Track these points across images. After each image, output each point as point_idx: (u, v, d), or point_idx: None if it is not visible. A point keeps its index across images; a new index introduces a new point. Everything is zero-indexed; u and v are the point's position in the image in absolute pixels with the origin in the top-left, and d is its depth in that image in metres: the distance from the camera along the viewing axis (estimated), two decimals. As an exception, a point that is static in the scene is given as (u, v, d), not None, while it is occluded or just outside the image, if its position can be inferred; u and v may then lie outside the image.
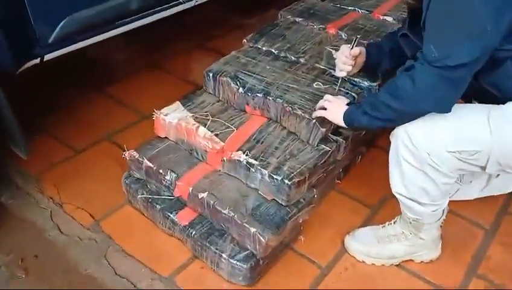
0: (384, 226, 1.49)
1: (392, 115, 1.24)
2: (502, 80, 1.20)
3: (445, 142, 1.19)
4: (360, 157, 1.85)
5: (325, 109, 1.42)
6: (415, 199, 1.32)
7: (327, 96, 1.46)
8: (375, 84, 1.64)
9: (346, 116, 1.36)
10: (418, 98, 1.19)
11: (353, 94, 1.58)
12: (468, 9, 1.10)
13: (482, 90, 1.27)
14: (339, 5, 2.16)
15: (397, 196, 1.36)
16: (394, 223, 1.47)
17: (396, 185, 1.33)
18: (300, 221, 1.48)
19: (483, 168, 1.22)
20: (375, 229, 1.50)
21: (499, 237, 1.60)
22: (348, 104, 1.39)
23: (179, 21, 2.53)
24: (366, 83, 1.64)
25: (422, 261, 1.49)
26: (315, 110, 1.46)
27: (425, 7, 1.18)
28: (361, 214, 1.66)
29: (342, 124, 1.38)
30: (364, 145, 1.84)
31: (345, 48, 1.53)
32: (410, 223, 1.40)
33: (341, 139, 1.55)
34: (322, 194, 1.65)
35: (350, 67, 1.53)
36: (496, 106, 1.21)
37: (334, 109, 1.40)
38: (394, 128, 1.29)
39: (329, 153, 1.50)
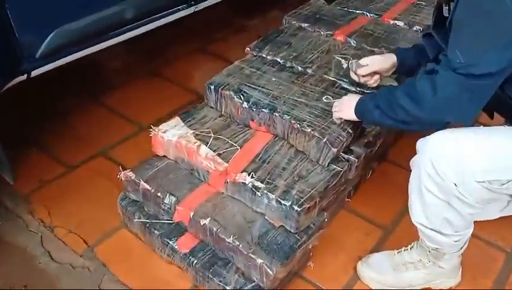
0: (400, 252, 1.38)
1: (407, 118, 1.17)
2: None
3: (475, 171, 1.09)
4: (370, 172, 1.74)
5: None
6: (438, 230, 1.22)
7: (337, 102, 1.41)
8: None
9: (358, 106, 1.31)
10: (438, 107, 1.12)
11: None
12: (500, 14, 1.01)
13: (506, 102, 1.18)
14: (346, 9, 2.04)
15: (417, 225, 1.26)
16: (411, 249, 1.36)
17: (417, 215, 1.23)
18: (310, 247, 1.38)
19: None
20: (390, 256, 1.39)
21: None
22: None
23: (178, 24, 2.42)
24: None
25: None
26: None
27: (451, 7, 1.09)
28: (374, 236, 1.56)
29: (353, 116, 1.32)
30: (375, 160, 1.73)
31: (351, 73, 1.48)
32: (429, 251, 1.30)
33: (353, 158, 1.44)
34: (332, 214, 1.54)
35: (373, 83, 1.48)
36: None
37: (346, 106, 1.35)
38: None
39: (341, 173, 1.39)
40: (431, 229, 1.22)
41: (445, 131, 1.16)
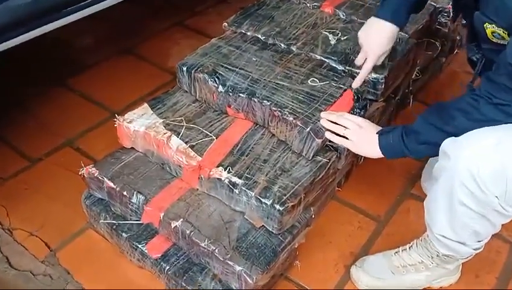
0: (397, 253, 1.25)
1: None
2: None
3: None
4: (362, 158, 1.59)
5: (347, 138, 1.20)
6: (463, 242, 1.09)
7: (349, 123, 1.20)
8: (381, 76, 1.37)
9: (387, 147, 1.14)
10: None
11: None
12: None
13: None
14: (335, -22, 1.85)
15: (439, 237, 1.11)
16: (410, 248, 1.23)
17: (441, 228, 1.09)
18: (296, 246, 1.24)
19: None
20: (387, 257, 1.25)
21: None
22: (379, 132, 1.16)
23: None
24: (371, 75, 1.37)
25: (441, 287, 1.27)
26: (328, 131, 1.22)
27: None
28: (367, 229, 1.43)
29: (377, 154, 1.16)
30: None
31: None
32: (438, 256, 1.17)
33: (342, 147, 1.29)
34: (320, 207, 1.40)
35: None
36: None
37: (365, 141, 1.17)
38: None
39: (329, 165, 1.24)
40: (456, 241, 1.09)
41: (481, 131, 0.98)
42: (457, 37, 1.97)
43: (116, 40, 2.15)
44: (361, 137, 1.18)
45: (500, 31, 0.98)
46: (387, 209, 1.49)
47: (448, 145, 1.02)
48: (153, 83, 1.91)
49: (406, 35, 1.52)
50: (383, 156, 1.16)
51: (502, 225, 1.08)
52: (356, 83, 1.30)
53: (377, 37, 1.25)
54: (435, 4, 1.68)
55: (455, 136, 1.01)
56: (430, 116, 1.08)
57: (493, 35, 1.01)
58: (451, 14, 1.22)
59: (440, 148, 1.04)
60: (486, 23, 0.99)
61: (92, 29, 2.16)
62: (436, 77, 1.94)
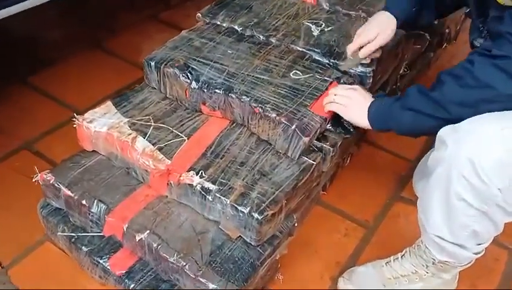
0: (388, 263, 1.13)
1: (462, 112, 0.91)
2: None
3: None
4: (349, 158, 1.48)
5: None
6: (460, 244, 0.98)
7: (342, 87, 1.13)
8: (369, 69, 1.25)
9: (376, 113, 1.04)
10: None
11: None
12: None
13: None
14: (318, -34, 1.73)
15: (434, 238, 1.00)
16: (402, 257, 1.12)
17: (437, 228, 0.98)
18: (277, 257, 1.12)
19: None
20: (377, 268, 1.14)
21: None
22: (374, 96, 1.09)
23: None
24: (359, 68, 1.25)
25: (436, 299, 1.16)
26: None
27: None
28: (354, 236, 1.32)
29: (364, 122, 1.06)
30: (354, 143, 1.47)
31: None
32: (434, 264, 1.06)
33: (327, 147, 1.17)
34: (304, 213, 1.29)
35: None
36: None
37: (357, 105, 1.08)
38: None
39: (313, 167, 1.12)
40: (452, 243, 0.98)
41: (484, 117, 0.89)
42: (446, 30, 1.87)
43: (85, 34, 2.00)
44: (354, 101, 1.09)
45: None
46: (376, 214, 1.38)
47: (447, 132, 0.92)
48: (122, 79, 1.77)
49: (394, 26, 1.41)
50: (369, 124, 1.07)
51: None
52: (363, 53, 1.21)
53: (373, 20, 1.20)
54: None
55: (441, 105, 0.93)
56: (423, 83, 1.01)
57: None
58: None
59: (437, 136, 0.94)
60: None
61: (58, 22, 2.01)
62: (424, 73, 1.84)
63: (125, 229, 1.04)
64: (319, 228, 1.32)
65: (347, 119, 1.12)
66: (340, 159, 1.36)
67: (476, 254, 1.02)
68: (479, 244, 1.00)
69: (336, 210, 1.38)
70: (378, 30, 1.17)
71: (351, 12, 1.46)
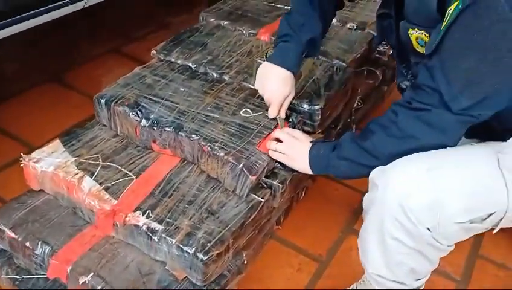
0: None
1: (392, 160, 0.94)
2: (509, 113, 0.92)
3: (455, 212, 0.87)
4: (304, 192, 1.50)
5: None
6: (400, 281, 1.00)
7: (283, 135, 1.15)
8: (317, 107, 1.29)
9: (315, 160, 1.09)
10: (437, 145, 0.93)
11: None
12: (510, 43, 0.82)
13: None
14: (273, 4, 1.79)
15: (375, 277, 1.02)
16: None
17: (376, 267, 1.00)
18: (227, 296, 1.12)
19: (491, 229, 0.94)
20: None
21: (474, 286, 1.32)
22: (313, 142, 1.12)
23: (89, 19, 2.08)
24: (305, 106, 1.29)
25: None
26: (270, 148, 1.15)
27: (436, 33, 0.87)
28: (307, 271, 1.32)
29: (307, 171, 1.10)
30: (309, 177, 1.49)
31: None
32: None
33: (276, 184, 1.19)
34: (257, 248, 1.29)
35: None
36: (500, 145, 0.93)
37: (299, 155, 1.11)
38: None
39: (262, 204, 1.14)
40: (393, 281, 1.00)
41: (411, 158, 0.92)
42: (399, 65, 1.94)
43: (43, 66, 1.99)
44: (295, 150, 1.12)
45: (422, 34, 0.95)
46: (329, 248, 1.39)
47: (377, 174, 0.96)
48: (80, 114, 1.75)
49: (344, 64, 1.46)
50: (310, 170, 1.11)
51: (442, 258, 1.01)
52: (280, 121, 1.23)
53: (273, 83, 1.19)
54: (373, 33, 1.64)
55: (373, 155, 0.97)
56: (357, 132, 1.05)
57: (418, 43, 0.97)
58: (375, 37, 1.18)
59: (369, 178, 0.98)
60: (410, 29, 0.96)
61: (15, 54, 1.99)
62: (378, 106, 1.90)
63: (69, 272, 1.02)
64: (272, 264, 1.32)
65: (290, 167, 1.16)
66: (293, 193, 1.37)
67: (416, 288, 1.04)
68: (418, 279, 1.02)
69: (289, 244, 1.39)
70: (284, 93, 1.19)
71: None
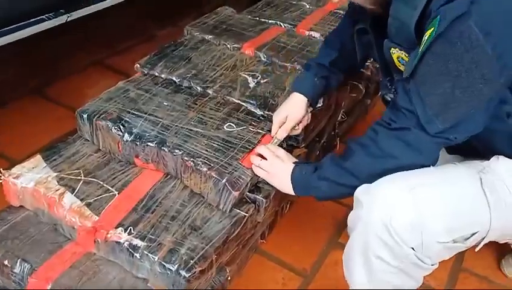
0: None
1: (372, 180, 0.95)
2: (490, 133, 0.94)
3: (438, 231, 0.88)
4: (288, 205, 1.50)
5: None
6: None
7: (267, 152, 1.14)
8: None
9: (297, 182, 1.08)
10: (413, 165, 0.94)
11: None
12: (483, 69, 0.83)
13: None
14: (258, 18, 1.81)
15: None
16: None
17: (360, 284, 1.00)
18: (210, 312, 1.11)
19: (473, 247, 0.95)
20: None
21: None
22: (296, 163, 1.11)
23: (73, 32, 2.07)
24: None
25: None
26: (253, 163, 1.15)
27: (413, 57, 0.89)
28: (292, 286, 1.31)
29: (288, 189, 1.10)
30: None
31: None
32: None
33: (260, 198, 1.18)
34: (241, 264, 1.28)
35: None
36: (482, 165, 0.94)
37: (280, 173, 1.11)
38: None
39: (246, 219, 1.13)
40: None
41: (395, 177, 0.93)
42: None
43: (25, 79, 1.97)
44: (276, 168, 1.12)
45: (403, 54, 0.96)
46: (313, 262, 1.39)
47: (362, 191, 0.96)
48: (63, 128, 1.73)
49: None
50: (293, 191, 1.10)
51: (426, 276, 1.01)
52: (279, 135, 1.25)
53: (283, 104, 1.27)
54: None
55: (353, 175, 0.98)
56: (339, 147, 1.04)
57: (399, 61, 0.99)
58: (357, 53, 1.20)
59: (354, 196, 0.98)
60: (392, 48, 0.98)
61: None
62: (362, 119, 1.92)
63: (48, 291, 1.00)
64: (256, 279, 1.31)
65: (273, 185, 1.16)
66: (278, 207, 1.37)
67: None
68: None
69: (274, 259, 1.38)
70: (287, 113, 1.23)
71: (286, 64, 1.52)
